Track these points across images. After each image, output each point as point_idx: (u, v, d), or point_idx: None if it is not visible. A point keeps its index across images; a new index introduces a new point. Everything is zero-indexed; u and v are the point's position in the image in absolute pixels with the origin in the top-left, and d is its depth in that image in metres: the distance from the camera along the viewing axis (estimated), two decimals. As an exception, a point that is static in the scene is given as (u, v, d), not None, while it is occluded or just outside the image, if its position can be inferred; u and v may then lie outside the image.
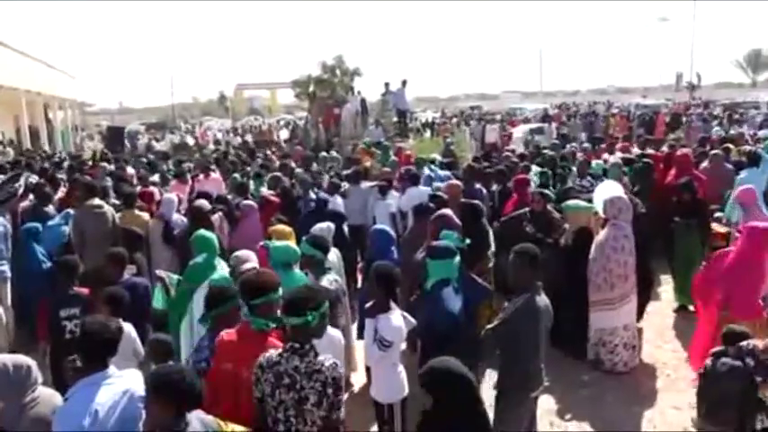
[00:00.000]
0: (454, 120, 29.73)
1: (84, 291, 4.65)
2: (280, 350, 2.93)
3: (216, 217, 6.88)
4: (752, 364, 3.56)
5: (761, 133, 15.41)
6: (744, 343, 3.71)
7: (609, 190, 6.28)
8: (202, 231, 5.26)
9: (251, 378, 2.95)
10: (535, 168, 9.32)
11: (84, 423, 2.66)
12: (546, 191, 6.89)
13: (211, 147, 21.81)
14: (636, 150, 11.57)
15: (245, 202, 7.35)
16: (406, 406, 3.94)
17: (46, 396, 2.96)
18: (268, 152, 15.65)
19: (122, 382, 2.87)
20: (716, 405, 3.81)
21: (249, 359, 3.01)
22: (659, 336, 6.50)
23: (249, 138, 25.55)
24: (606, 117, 24.91)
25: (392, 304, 3.94)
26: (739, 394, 3.60)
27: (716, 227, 6.65)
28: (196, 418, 2.64)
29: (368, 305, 3.97)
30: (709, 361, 3.89)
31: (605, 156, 11.13)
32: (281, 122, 34.48)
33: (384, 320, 3.83)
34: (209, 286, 3.86)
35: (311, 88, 29.27)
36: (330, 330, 3.74)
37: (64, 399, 2.86)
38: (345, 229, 7.12)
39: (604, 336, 5.60)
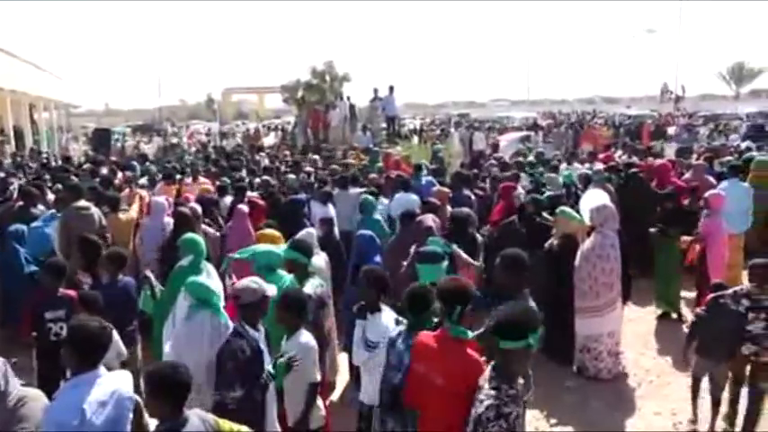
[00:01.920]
0: (439, 127, 29.64)
1: (71, 293, 4.63)
2: (491, 372, 2.84)
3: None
4: (747, 304, 4.43)
5: (744, 145, 15.62)
6: (737, 288, 4.61)
7: (595, 198, 6.36)
8: (190, 235, 5.24)
9: (443, 384, 2.98)
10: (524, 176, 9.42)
11: (72, 422, 2.67)
12: (538, 196, 6.93)
13: (192, 149, 21.71)
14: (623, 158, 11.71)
15: (239, 206, 7.34)
16: None
17: (32, 395, 2.97)
18: (257, 156, 15.62)
19: (111, 383, 2.87)
20: (710, 342, 4.59)
21: (443, 365, 3.05)
22: (642, 343, 6.58)
23: (239, 140, 25.46)
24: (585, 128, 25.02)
25: (382, 305, 3.99)
26: (732, 331, 4.44)
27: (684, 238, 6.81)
28: (195, 414, 2.71)
29: (356, 306, 4.01)
30: (704, 308, 4.69)
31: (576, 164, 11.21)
32: (270, 127, 34.39)
33: (371, 321, 3.89)
34: (411, 288, 3.60)
35: (300, 93, 29.23)
36: (302, 335, 3.79)
37: (53, 398, 2.86)
38: (336, 233, 7.13)
39: (589, 342, 5.67)
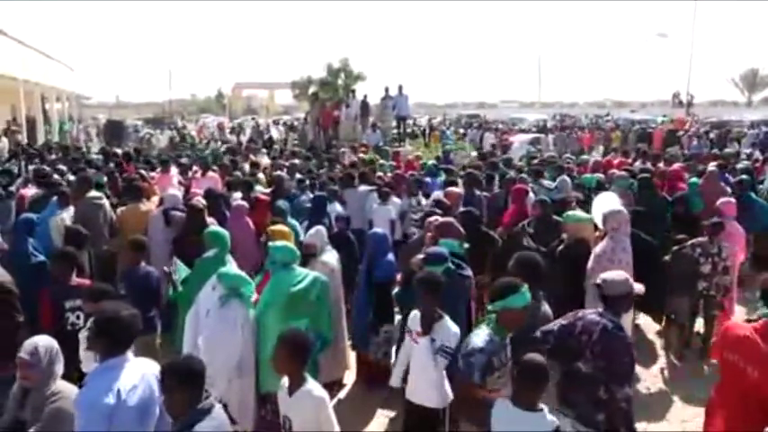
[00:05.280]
0: (449, 128, 29.51)
1: (86, 282, 4.67)
2: None
3: None
4: (699, 251, 6.14)
5: (758, 153, 15.49)
6: (694, 240, 6.22)
7: (607, 202, 6.32)
8: (215, 227, 5.45)
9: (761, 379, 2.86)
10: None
11: (107, 402, 2.77)
12: (546, 198, 6.91)
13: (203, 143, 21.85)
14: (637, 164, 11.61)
15: (237, 202, 7.36)
16: None
17: (67, 391, 3.08)
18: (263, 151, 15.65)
19: (139, 367, 2.99)
20: (674, 282, 6.15)
21: (761, 357, 2.91)
22: (651, 348, 6.57)
23: (248, 136, 25.53)
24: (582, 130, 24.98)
25: (440, 311, 3.86)
26: (689, 272, 6.12)
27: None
28: (218, 414, 2.75)
29: (420, 322, 3.85)
30: (669, 256, 6.29)
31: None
32: (278, 123, 34.41)
33: (443, 329, 3.77)
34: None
35: (312, 89, 29.16)
36: (309, 385, 3.17)
37: (85, 380, 2.97)
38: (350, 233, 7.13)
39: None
